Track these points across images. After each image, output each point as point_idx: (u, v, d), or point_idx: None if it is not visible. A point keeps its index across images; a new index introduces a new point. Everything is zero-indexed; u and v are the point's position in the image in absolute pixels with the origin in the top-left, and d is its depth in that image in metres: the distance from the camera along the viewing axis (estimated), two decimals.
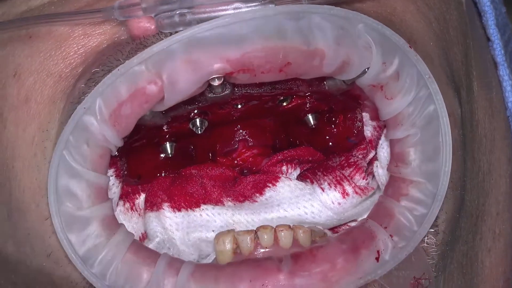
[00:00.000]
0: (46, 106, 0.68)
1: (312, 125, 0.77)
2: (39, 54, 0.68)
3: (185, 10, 0.63)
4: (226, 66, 0.62)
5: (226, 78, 0.64)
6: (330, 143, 0.78)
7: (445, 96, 0.68)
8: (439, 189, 0.67)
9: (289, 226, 0.68)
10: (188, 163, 0.77)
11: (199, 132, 0.74)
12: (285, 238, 0.67)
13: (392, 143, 0.70)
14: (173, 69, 0.61)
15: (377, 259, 0.66)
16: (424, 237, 0.68)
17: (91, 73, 0.66)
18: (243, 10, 0.62)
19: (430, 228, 0.68)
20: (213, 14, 0.62)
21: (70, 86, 0.67)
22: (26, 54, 0.69)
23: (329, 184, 0.73)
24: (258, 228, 0.68)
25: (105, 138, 0.64)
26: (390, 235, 0.67)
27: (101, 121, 0.63)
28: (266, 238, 0.67)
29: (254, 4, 0.62)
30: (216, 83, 0.64)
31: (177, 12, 0.63)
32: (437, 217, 0.68)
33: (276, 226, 0.68)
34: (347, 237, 0.68)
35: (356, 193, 0.73)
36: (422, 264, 0.68)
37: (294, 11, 0.62)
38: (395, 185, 0.69)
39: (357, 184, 0.73)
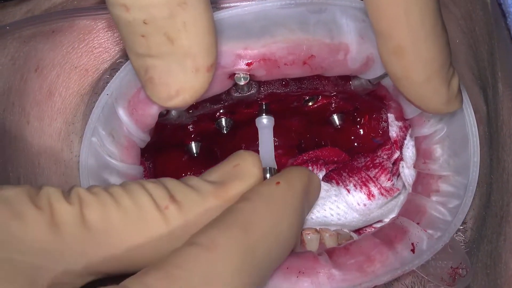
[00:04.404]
0: (73, 99, 0.68)
1: (337, 125, 0.77)
2: (61, 47, 0.68)
3: None
4: (247, 55, 0.62)
5: (252, 77, 0.64)
6: (355, 144, 0.78)
7: (470, 92, 0.68)
8: (470, 179, 0.67)
9: (316, 230, 0.69)
10: (214, 163, 0.77)
11: (225, 132, 0.74)
12: (311, 241, 0.68)
13: (418, 140, 0.70)
14: None
15: (412, 251, 0.66)
16: (454, 234, 0.68)
17: (116, 63, 0.67)
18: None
19: (460, 226, 0.68)
20: (236, 9, 0.63)
21: (97, 78, 0.68)
22: (48, 48, 0.69)
23: (354, 185, 0.73)
24: None
25: (127, 129, 0.64)
26: (424, 230, 0.67)
27: (122, 109, 0.63)
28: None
29: None
30: (242, 82, 0.64)
31: None
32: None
33: (303, 230, 0.68)
34: (380, 233, 0.68)
35: (382, 194, 0.73)
36: (459, 254, 0.67)
37: (316, 3, 0.62)
38: (424, 181, 0.69)
39: (382, 185, 0.73)
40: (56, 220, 0.51)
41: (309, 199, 0.61)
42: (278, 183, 0.58)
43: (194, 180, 0.56)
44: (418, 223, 0.68)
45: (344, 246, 0.67)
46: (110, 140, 0.64)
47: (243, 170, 0.58)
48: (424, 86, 0.56)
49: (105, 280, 0.54)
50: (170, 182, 0.55)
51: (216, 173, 0.58)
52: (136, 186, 0.54)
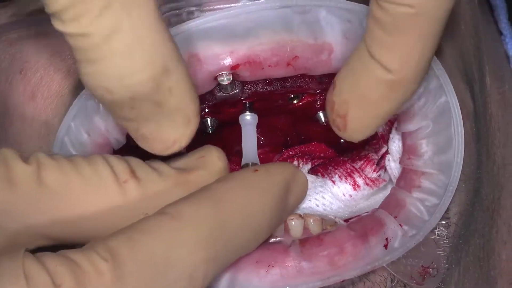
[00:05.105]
0: (54, 100, 0.69)
1: (323, 122, 0.77)
2: (45, 50, 0.69)
3: (193, 8, 0.63)
4: (231, 58, 0.62)
5: (235, 77, 0.64)
6: (342, 140, 0.78)
7: (456, 89, 0.68)
8: (451, 179, 0.67)
9: (300, 215, 0.68)
10: None
11: (210, 132, 0.74)
12: (295, 227, 0.67)
13: (404, 136, 0.70)
14: None
15: (385, 246, 0.66)
16: (435, 229, 0.68)
17: None
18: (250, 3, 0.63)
19: (442, 221, 0.68)
20: (221, 12, 0.63)
21: (79, 80, 0.68)
22: (33, 51, 0.70)
23: (339, 176, 0.73)
24: None
25: (106, 128, 0.64)
26: (400, 224, 0.67)
27: (101, 108, 0.63)
28: (277, 228, 0.66)
29: None
30: (225, 82, 0.64)
31: (185, 10, 0.63)
32: (448, 210, 0.68)
33: None
34: (356, 225, 0.68)
35: (367, 184, 0.72)
36: (431, 254, 0.67)
37: (300, 4, 0.62)
38: (407, 177, 0.69)
39: (368, 175, 0.73)
40: (11, 177, 0.51)
41: (291, 195, 0.62)
42: (256, 170, 0.58)
43: (158, 164, 0.57)
44: (395, 217, 0.67)
45: (318, 236, 0.67)
46: (85, 137, 0.65)
47: (207, 161, 0.59)
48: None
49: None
50: (134, 160, 0.56)
51: (181, 161, 0.59)
52: (99, 157, 0.54)
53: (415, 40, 0.53)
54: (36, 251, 0.49)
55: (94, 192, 0.53)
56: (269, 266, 0.64)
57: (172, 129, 0.54)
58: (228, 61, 0.62)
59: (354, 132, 0.60)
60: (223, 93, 0.67)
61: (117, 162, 0.54)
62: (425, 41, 0.53)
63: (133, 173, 0.54)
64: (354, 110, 0.58)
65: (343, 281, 0.65)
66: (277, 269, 0.64)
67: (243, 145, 0.68)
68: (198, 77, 0.62)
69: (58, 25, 0.49)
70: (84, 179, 0.52)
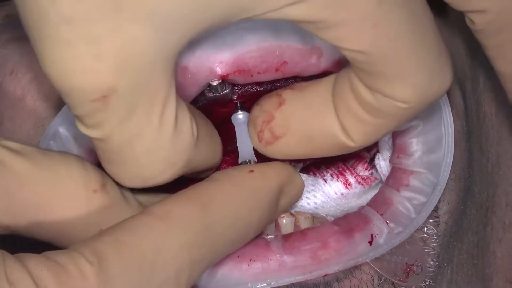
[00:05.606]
0: (43, 102, 0.69)
1: None
2: None
3: None
4: (221, 69, 0.62)
5: (225, 80, 0.64)
6: None
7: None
8: (440, 179, 0.67)
9: (291, 213, 0.69)
10: None
11: None
12: (286, 225, 0.67)
13: (394, 135, 0.70)
14: None
15: (370, 242, 0.66)
16: (424, 227, 0.68)
17: None
18: None
19: (431, 219, 0.68)
20: None
21: None
22: (24, 52, 0.70)
23: (331, 175, 0.73)
24: None
25: None
26: (386, 222, 0.67)
27: None
28: (268, 226, 0.67)
29: None
30: (215, 82, 0.64)
31: None
32: (438, 208, 0.68)
33: None
34: (341, 221, 0.68)
35: (359, 183, 0.72)
36: (416, 252, 0.67)
37: None
38: (396, 175, 0.69)
39: (359, 174, 0.73)
40: None
41: (284, 197, 0.62)
42: (251, 171, 0.58)
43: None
44: (382, 214, 0.67)
45: (301, 231, 0.67)
46: (72, 143, 0.65)
47: None
48: None
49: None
50: (106, 174, 0.55)
51: (144, 196, 0.59)
52: (75, 158, 0.53)
53: (391, 124, 0.54)
54: None
55: (61, 191, 0.51)
56: (250, 260, 0.64)
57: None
58: (217, 70, 0.63)
59: (275, 153, 0.60)
60: (213, 93, 0.67)
61: (93, 169, 0.54)
62: (399, 124, 0.55)
63: (104, 186, 0.53)
64: (291, 140, 0.58)
65: (325, 275, 0.65)
66: (259, 263, 0.64)
67: (238, 144, 0.68)
68: (187, 87, 0.63)
69: (81, 128, 0.49)
70: (57, 176, 0.51)
